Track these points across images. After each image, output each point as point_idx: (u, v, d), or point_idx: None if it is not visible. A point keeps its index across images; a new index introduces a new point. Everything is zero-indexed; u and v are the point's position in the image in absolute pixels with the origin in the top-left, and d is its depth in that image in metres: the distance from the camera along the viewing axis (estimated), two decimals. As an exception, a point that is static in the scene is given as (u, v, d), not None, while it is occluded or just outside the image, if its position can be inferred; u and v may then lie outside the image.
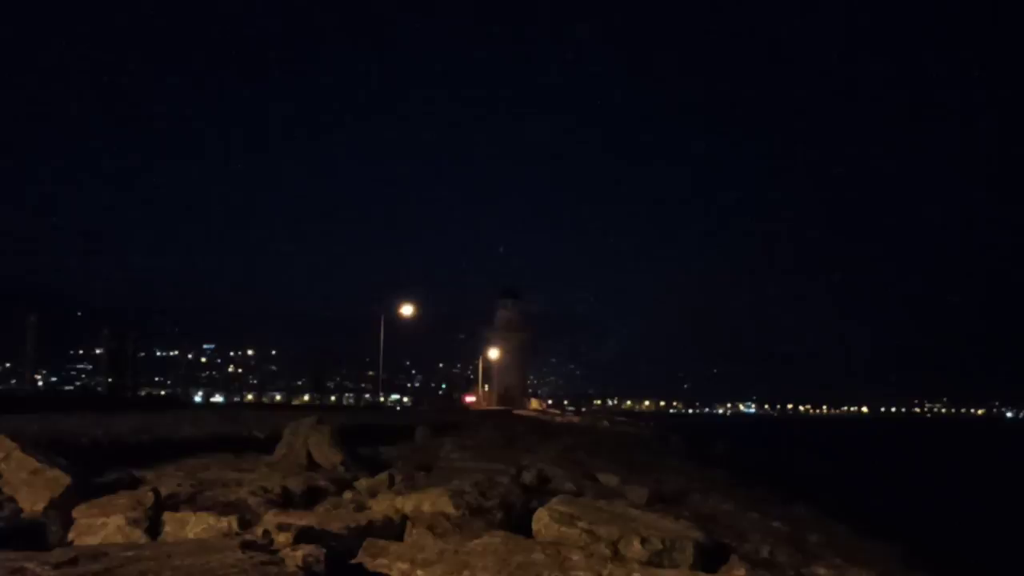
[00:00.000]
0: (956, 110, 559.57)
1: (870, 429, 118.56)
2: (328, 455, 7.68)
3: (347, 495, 6.10)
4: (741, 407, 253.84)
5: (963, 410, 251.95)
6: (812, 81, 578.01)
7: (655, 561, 4.30)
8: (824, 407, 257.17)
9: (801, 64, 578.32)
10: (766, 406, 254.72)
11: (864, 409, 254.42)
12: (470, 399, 71.68)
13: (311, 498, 5.81)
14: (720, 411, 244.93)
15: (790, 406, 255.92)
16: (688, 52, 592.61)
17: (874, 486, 26.01)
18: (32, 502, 4.59)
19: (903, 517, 16.00)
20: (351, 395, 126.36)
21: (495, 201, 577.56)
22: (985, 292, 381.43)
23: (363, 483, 6.63)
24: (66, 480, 4.73)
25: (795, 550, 6.82)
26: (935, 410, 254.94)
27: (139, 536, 4.23)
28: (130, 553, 3.21)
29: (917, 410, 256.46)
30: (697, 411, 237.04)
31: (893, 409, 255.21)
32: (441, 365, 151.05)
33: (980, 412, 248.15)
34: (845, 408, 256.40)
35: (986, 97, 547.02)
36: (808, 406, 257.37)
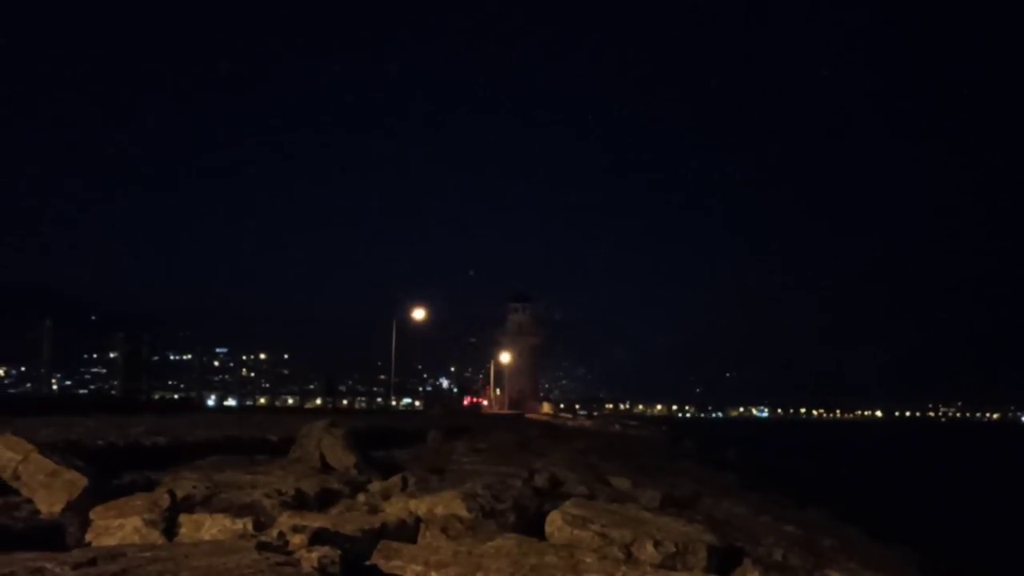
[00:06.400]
0: (964, 108, 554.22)
1: (884, 433, 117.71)
2: (341, 458, 7.70)
3: (360, 497, 6.11)
4: (754, 411, 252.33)
5: (978, 414, 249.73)
6: (819, 90, 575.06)
7: (668, 564, 4.31)
8: (837, 411, 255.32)
9: (806, 72, 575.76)
10: (779, 410, 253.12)
11: (878, 413, 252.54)
12: (484, 401, 71.59)
13: (325, 500, 5.82)
14: (733, 415, 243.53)
15: (803, 410, 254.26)
16: (693, 59, 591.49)
17: (888, 490, 25.83)
18: (50, 504, 4.64)
19: (918, 521, 15.88)
20: (363, 399, 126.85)
21: (508, 205, 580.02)
22: (1000, 295, 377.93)
23: (376, 486, 6.64)
24: (83, 482, 4.77)
25: (809, 554, 6.79)
26: (950, 414, 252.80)
27: (156, 537, 4.26)
28: (148, 554, 3.24)
29: (932, 414, 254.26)
30: (709, 415, 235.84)
31: (907, 413, 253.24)
32: (453, 369, 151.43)
33: (995, 416, 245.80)
34: (859, 412, 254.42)
35: (988, 100, 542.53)
36: (821, 410, 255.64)
